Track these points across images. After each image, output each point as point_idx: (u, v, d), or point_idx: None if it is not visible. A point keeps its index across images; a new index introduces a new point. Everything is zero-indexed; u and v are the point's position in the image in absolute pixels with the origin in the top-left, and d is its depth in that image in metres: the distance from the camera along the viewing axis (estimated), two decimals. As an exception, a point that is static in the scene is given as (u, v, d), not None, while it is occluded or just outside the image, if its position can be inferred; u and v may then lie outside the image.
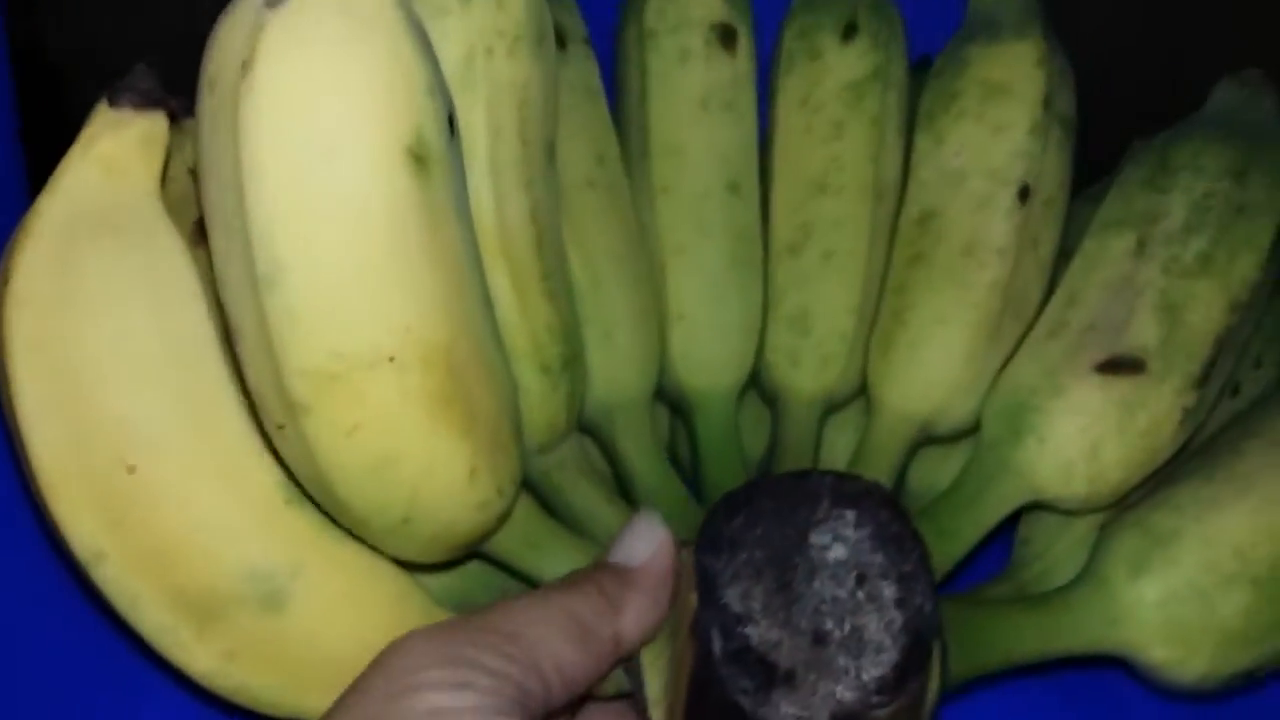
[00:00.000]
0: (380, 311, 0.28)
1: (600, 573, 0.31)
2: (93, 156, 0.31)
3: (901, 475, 0.39)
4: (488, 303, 0.32)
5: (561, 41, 0.40)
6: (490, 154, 0.33)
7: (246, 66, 0.27)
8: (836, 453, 0.41)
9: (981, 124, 0.40)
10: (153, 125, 0.31)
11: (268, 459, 0.31)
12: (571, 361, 0.36)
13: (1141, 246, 0.38)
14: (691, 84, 0.41)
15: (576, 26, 0.41)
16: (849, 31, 0.42)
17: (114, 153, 0.31)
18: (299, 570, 0.31)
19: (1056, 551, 0.39)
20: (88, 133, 0.31)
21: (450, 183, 0.29)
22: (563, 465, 0.36)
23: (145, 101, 0.31)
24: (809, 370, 0.40)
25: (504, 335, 0.33)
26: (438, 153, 0.28)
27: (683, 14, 0.41)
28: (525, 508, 0.34)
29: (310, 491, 0.31)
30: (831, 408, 0.40)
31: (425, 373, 0.29)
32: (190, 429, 0.31)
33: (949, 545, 0.36)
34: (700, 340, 0.40)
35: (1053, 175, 0.40)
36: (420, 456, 0.30)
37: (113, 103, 0.31)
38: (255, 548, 0.31)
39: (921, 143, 0.41)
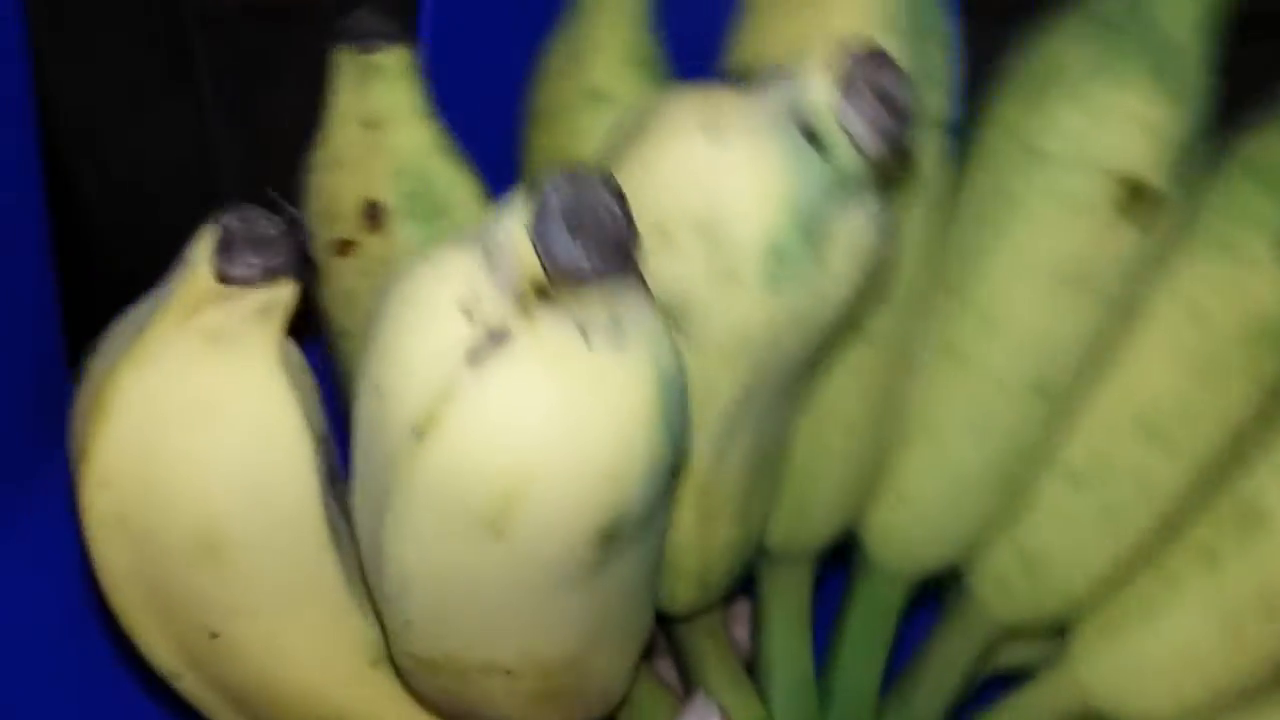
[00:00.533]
0: (505, 643, 0.25)
1: None
2: (193, 329, 0.24)
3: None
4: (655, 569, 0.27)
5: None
6: (729, 415, 0.26)
7: (429, 425, 0.21)
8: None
9: None
10: (277, 294, 0.24)
11: (360, 619, 0.29)
12: (736, 569, 0.31)
13: None
14: (1060, 246, 0.30)
15: (937, 102, 0.30)
16: None
17: (222, 325, 0.24)
18: None
19: None
20: (185, 298, 0.24)
21: (642, 545, 0.24)
22: (694, 635, 0.33)
23: (266, 275, 0.23)
24: (1012, 606, 0.34)
25: (671, 555, 0.29)
26: (632, 530, 0.23)
27: (1093, 143, 0.29)
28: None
29: None
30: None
31: (541, 680, 0.26)
32: (280, 598, 0.28)
33: None
34: (910, 530, 0.33)
35: None
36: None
37: (225, 278, 0.23)
38: (333, 708, 0.29)
39: None
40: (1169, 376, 0.31)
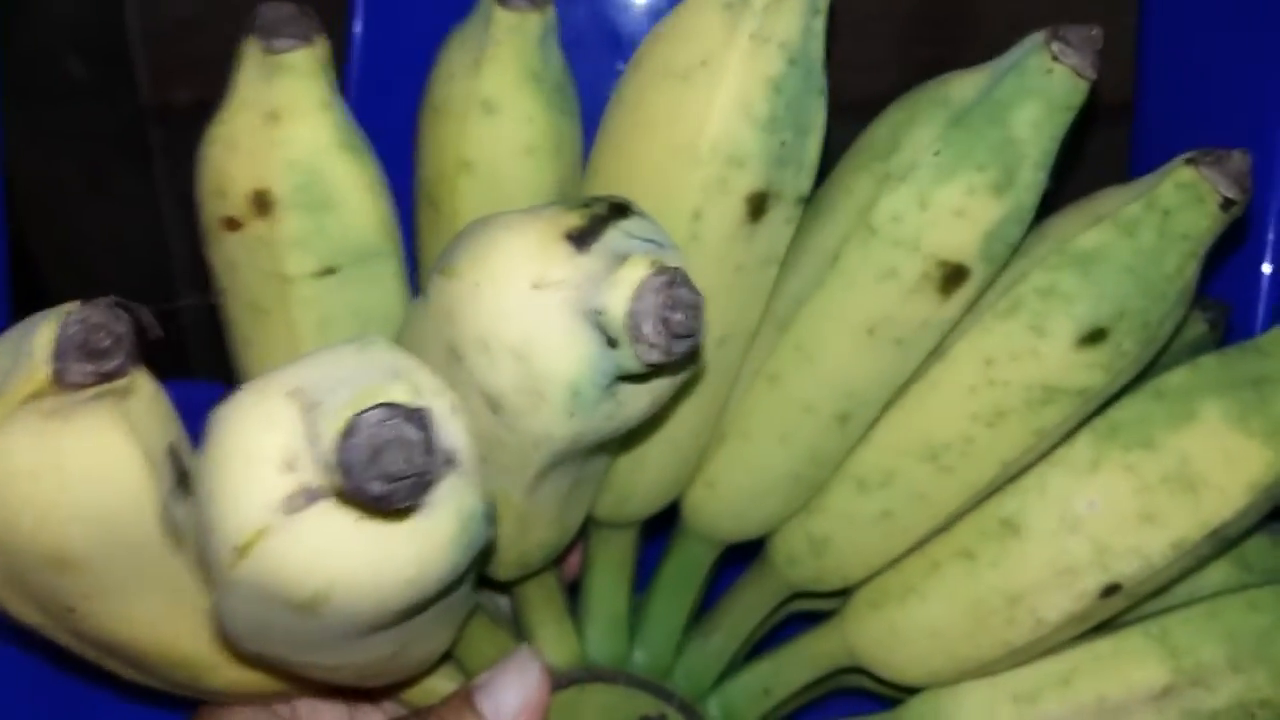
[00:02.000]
0: (324, 659, 0.29)
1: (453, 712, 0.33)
2: (33, 410, 0.26)
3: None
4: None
5: (761, 208, 0.31)
6: (534, 473, 0.29)
7: (247, 549, 0.24)
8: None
9: (1141, 497, 0.34)
10: (111, 385, 0.26)
11: (202, 596, 0.31)
12: (553, 556, 0.35)
13: (1165, 694, 0.36)
14: (874, 306, 0.33)
15: (794, 183, 0.32)
16: (1096, 336, 0.33)
17: (60, 407, 0.26)
18: None
19: None
20: (26, 386, 0.26)
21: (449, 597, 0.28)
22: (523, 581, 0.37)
23: (101, 378, 0.25)
24: (799, 577, 0.39)
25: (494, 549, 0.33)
26: (436, 600, 0.27)
27: (918, 234, 0.32)
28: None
29: None
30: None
31: (357, 673, 0.31)
32: (129, 590, 0.30)
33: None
34: (717, 512, 0.38)
35: (1150, 584, 0.35)
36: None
37: (59, 381, 0.25)
38: (183, 656, 0.32)
39: (1079, 446, 0.35)
40: (956, 414, 0.34)
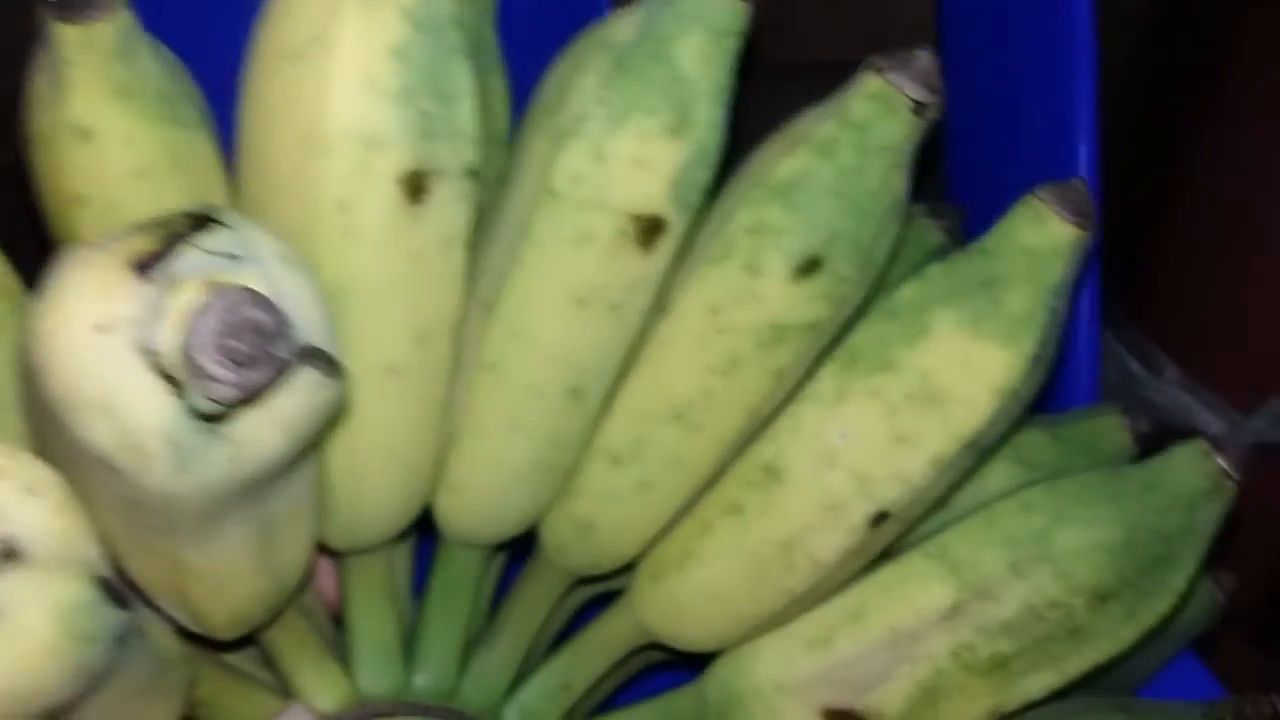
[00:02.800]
0: None
1: None
2: None
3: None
4: None
5: (420, 187, 0.29)
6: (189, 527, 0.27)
7: None
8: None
9: (890, 421, 0.33)
10: None
11: None
12: (277, 604, 0.32)
13: (954, 612, 0.35)
14: (577, 275, 0.31)
15: (454, 156, 0.29)
16: (810, 266, 0.31)
17: None
18: None
19: None
20: None
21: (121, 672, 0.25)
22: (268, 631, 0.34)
23: None
24: (573, 564, 0.37)
25: (200, 619, 0.30)
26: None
27: (603, 189, 0.30)
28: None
29: None
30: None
31: None
32: None
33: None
34: (469, 517, 0.35)
35: (918, 502, 0.34)
36: None
37: None
38: None
39: (825, 381, 0.34)
40: (693, 370, 0.33)
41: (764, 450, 0.34)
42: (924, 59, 0.31)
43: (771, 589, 0.35)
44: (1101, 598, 0.34)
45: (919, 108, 0.31)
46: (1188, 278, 0.59)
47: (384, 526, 0.34)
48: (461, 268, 0.31)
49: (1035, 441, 0.39)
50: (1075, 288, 0.34)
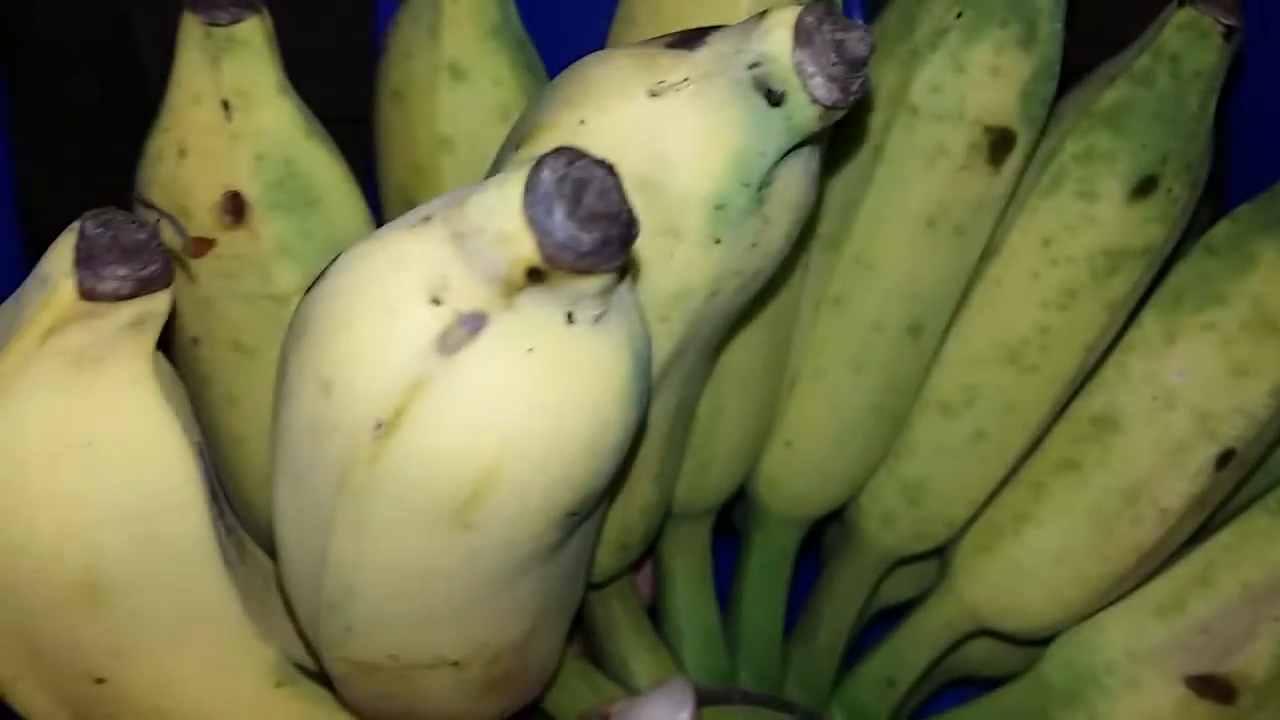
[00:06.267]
0: (454, 636, 0.25)
1: None
2: (54, 352, 0.21)
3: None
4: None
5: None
6: (662, 372, 0.26)
7: (396, 419, 0.20)
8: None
9: (1227, 352, 0.33)
10: (150, 305, 0.22)
11: (257, 641, 0.27)
12: (650, 533, 0.31)
13: None
14: (929, 193, 0.32)
15: None
16: (1144, 187, 0.32)
17: (88, 346, 0.21)
18: None
19: None
20: (46, 317, 0.21)
21: (593, 519, 0.25)
22: (606, 601, 0.33)
23: (137, 287, 0.21)
24: (898, 536, 0.36)
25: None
26: (594, 503, 0.23)
27: (961, 99, 0.31)
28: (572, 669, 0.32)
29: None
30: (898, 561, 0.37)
31: (485, 668, 0.26)
32: (173, 632, 0.25)
33: None
34: (800, 474, 0.35)
35: (1262, 441, 0.34)
36: (451, 714, 0.27)
37: (88, 294, 0.21)
38: None
39: (1149, 326, 0.34)
40: (1026, 305, 0.33)
41: (1091, 403, 0.34)
42: None
43: (1118, 545, 0.34)
44: None
45: (1229, 33, 0.32)
46: None
47: (728, 475, 0.33)
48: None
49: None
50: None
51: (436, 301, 0.19)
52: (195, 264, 0.28)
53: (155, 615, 0.24)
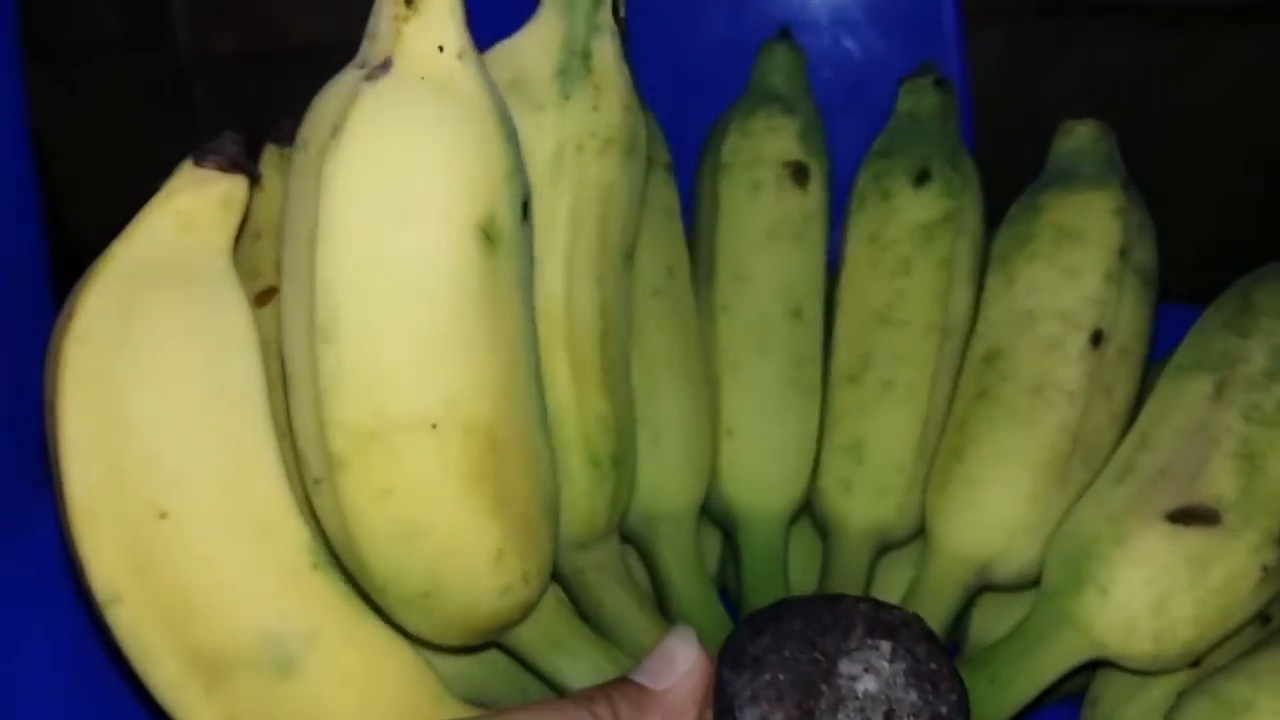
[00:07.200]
0: (428, 378, 0.29)
1: (619, 691, 0.29)
2: (171, 210, 0.31)
3: (959, 623, 0.37)
4: (539, 390, 0.32)
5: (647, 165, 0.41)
6: (568, 246, 0.33)
7: (336, 130, 0.28)
8: (890, 592, 0.39)
9: (1054, 267, 0.40)
10: (234, 187, 0.32)
11: (300, 520, 0.31)
12: (621, 460, 0.35)
13: (1219, 391, 0.37)
14: (760, 214, 0.42)
15: (660, 154, 0.42)
16: (921, 178, 0.42)
17: (193, 209, 0.31)
18: (314, 639, 0.30)
19: (1126, 716, 0.36)
20: (170, 186, 0.31)
21: (517, 266, 0.30)
22: (599, 566, 0.35)
23: (230, 165, 0.32)
24: (862, 500, 0.38)
25: (555, 423, 0.33)
26: (508, 234, 0.29)
27: (756, 152, 0.42)
28: (554, 605, 0.33)
29: (337, 552, 0.30)
30: (887, 545, 0.39)
31: (464, 444, 0.29)
32: (227, 481, 0.30)
33: (1001, 696, 0.34)
34: (749, 457, 0.39)
35: (1129, 325, 0.39)
36: (448, 530, 0.29)
37: (198, 162, 0.31)
38: (273, 610, 0.30)
39: (992, 283, 0.41)
40: (878, 281, 0.41)
41: (976, 351, 0.40)
42: None
43: (1046, 430, 0.37)
44: None
45: (940, 83, 0.45)
46: None
47: (689, 476, 0.38)
48: (680, 233, 0.42)
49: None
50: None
51: (362, 66, 0.30)
52: (259, 312, 0.35)
53: (210, 440, 0.30)
